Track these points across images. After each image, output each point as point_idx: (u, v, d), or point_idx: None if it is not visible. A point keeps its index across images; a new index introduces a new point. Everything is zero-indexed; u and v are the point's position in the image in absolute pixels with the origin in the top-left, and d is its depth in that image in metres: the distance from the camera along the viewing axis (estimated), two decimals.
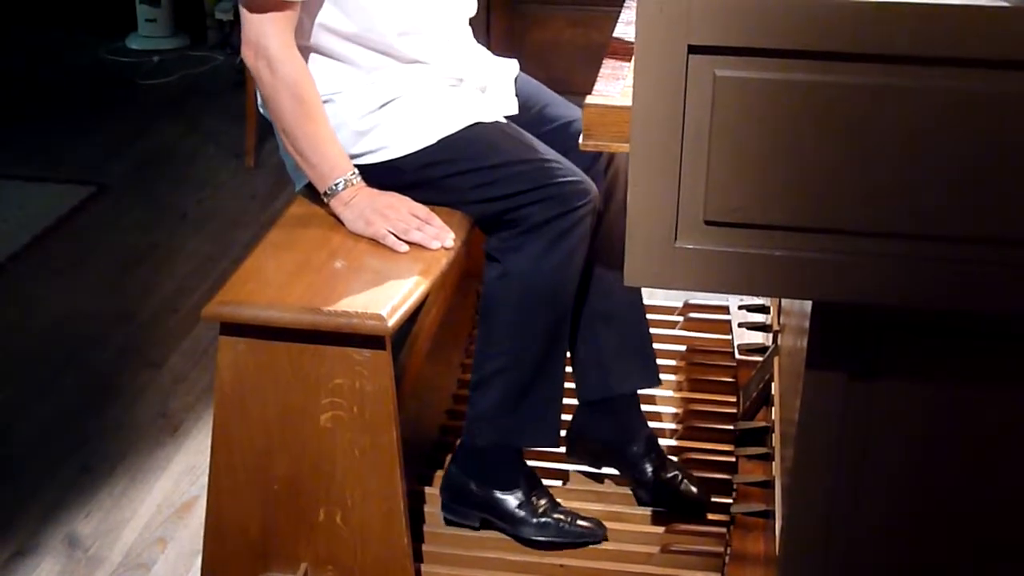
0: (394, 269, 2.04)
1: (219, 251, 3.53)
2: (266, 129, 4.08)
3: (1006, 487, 1.56)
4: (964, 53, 1.27)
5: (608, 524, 2.27)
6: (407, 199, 2.13)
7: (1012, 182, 1.31)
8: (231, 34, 5.15)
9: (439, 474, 2.42)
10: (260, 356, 1.98)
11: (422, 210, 2.12)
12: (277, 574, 2.08)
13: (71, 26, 5.48)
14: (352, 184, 2.11)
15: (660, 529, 2.29)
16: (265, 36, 2.05)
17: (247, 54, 2.10)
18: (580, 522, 2.24)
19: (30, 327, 3.16)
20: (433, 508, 2.33)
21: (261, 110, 2.29)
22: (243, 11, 2.07)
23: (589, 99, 1.82)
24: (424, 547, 2.24)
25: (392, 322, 1.92)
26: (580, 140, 1.79)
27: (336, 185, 2.10)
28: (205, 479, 2.10)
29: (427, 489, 2.37)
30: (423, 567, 2.20)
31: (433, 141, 2.14)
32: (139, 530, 2.43)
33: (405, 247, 2.08)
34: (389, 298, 1.95)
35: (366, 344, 1.94)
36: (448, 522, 2.30)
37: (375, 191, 2.13)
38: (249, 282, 2.00)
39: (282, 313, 1.94)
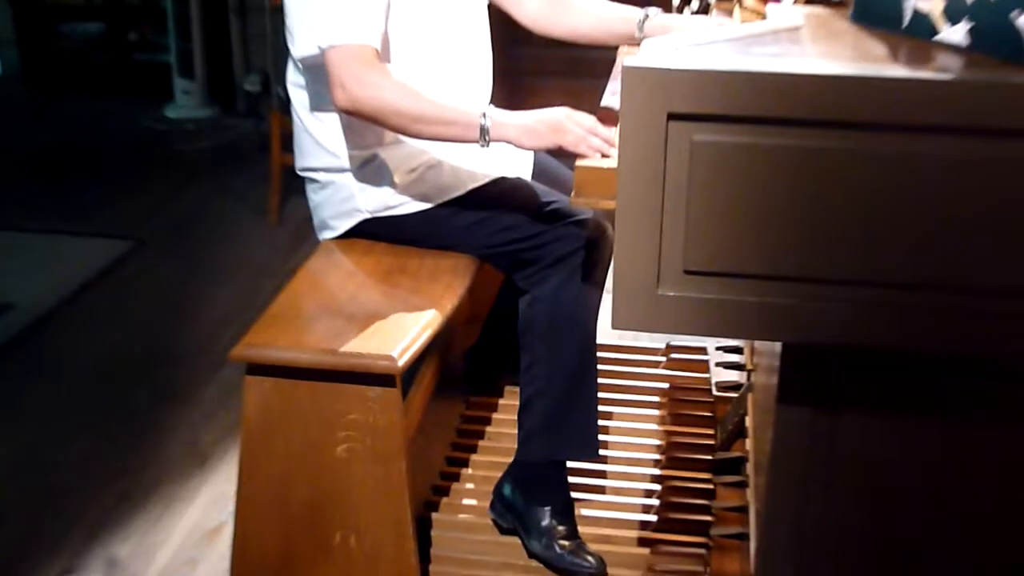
0: (405, 314, 2.04)
1: (245, 299, 3.53)
2: (288, 189, 4.11)
3: (959, 511, 1.55)
4: (915, 120, 1.28)
5: (598, 546, 2.26)
6: (566, 112, 1.98)
7: (959, 235, 1.31)
8: (258, 103, 5.19)
9: (445, 501, 2.41)
10: (283, 394, 1.98)
11: (587, 119, 1.98)
12: None
13: (116, 98, 5.51)
14: (493, 116, 1.98)
15: (646, 551, 2.27)
16: (345, 71, 1.98)
17: (339, 100, 2.00)
18: (584, 555, 2.21)
19: (76, 367, 3.16)
20: (439, 532, 2.31)
21: (299, 171, 2.29)
22: (328, 63, 2.00)
23: (580, 161, 1.83)
24: (431, 567, 2.23)
25: (402, 362, 1.92)
26: (571, 196, 1.80)
27: (484, 121, 1.98)
28: (232, 506, 2.09)
29: (434, 515, 2.35)
30: None
31: (464, 192, 2.19)
32: (172, 553, 2.41)
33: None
34: (399, 340, 1.95)
35: (378, 382, 1.94)
36: (494, 522, 2.33)
37: (524, 112, 2.01)
38: (273, 326, 2.00)
39: (303, 354, 1.94)
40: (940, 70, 1.32)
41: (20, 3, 5.51)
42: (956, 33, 1.40)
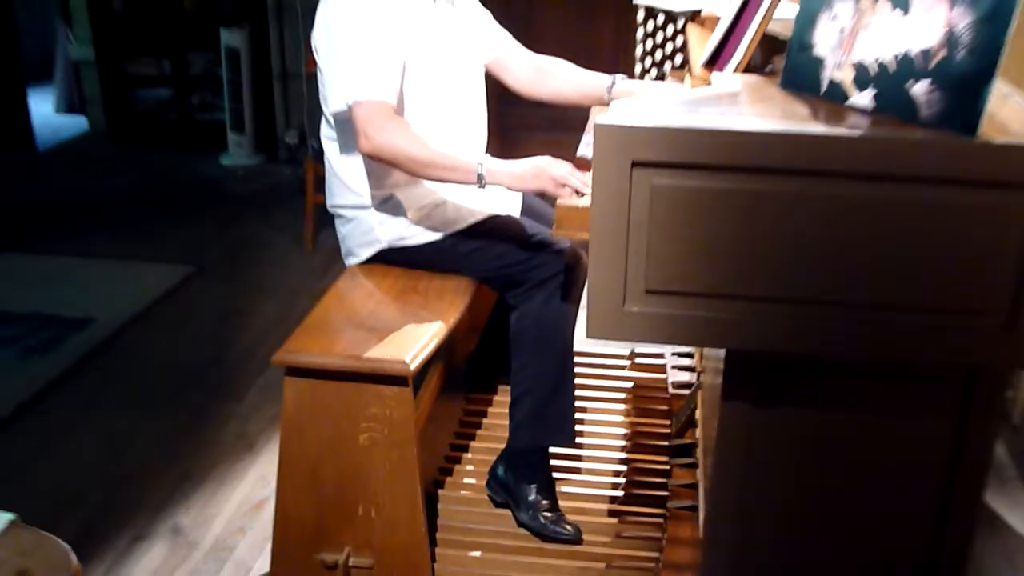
0: (415, 326, 2.03)
1: (285, 313, 3.52)
2: (320, 223, 4.11)
3: (866, 486, 1.55)
4: (830, 167, 1.29)
5: (575, 517, 2.25)
6: (548, 160, 1.98)
7: (869, 264, 1.32)
8: (296, 153, 5.18)
9: (449, 480, 2.40)
10: (315, 391, 1.97)
11: (565, 167, 1.97)
12: (328, 554, 2.05)
13: (181, 150, 5.51)
14: (488, 165, 1.98)
15: (614, 520, 2.26)
16: (369, 123, 1.98)
17: (363, 147, 2.00)
18: (563, 524, 2.21)
19: (145, 371, 3.15)
20: (444, 505, 2.30)
21: (329, 208, 2.29)
22: (354, 116, 1.99)
23: (559, 201, 1.84)
24: (438, 534, 2.22)
25: (414, 366, 1.91)
26: (553, 229, 1.80)
27: (480, 169, 1.98)
28: (274, 484, 2.08)
29: (440, 491, 2.34)
30: (437, 550, 2.17)
31: (465, 225, 2.18)
32: (225, 522, 2.39)
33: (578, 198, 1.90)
34: (411, 347, 1.95)
35: (394, 382, 1.93)
36: (490, 498, 2.32)
37: (513, 161, 2.01)
38: (307, 336, 2.00)
39: (332, 359, 1.93)
40: (851, 128, 1.33)
41: (105, 73, 5.57)
42: (863, 98, 1.41)
